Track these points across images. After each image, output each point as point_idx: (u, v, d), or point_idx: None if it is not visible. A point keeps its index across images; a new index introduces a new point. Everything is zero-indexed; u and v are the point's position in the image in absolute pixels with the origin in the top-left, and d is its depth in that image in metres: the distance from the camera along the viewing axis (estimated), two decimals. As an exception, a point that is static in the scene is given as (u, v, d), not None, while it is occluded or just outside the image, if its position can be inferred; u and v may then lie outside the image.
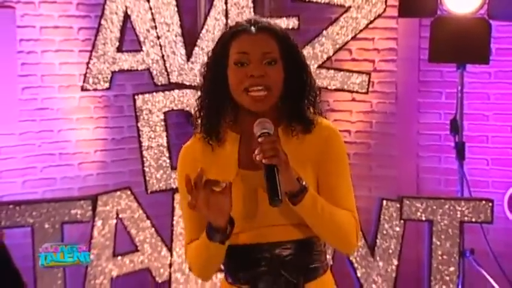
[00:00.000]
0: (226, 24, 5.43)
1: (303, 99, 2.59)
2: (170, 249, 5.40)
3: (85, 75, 5.38)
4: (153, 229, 5.44)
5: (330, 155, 2.62)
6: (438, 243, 5.42)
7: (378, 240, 5.52)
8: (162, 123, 5.45)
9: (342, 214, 2.59)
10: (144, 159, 5.43)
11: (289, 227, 2.55)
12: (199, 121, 2.62)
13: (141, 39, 5.45)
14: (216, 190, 2.41)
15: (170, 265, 5.44)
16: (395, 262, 5.50)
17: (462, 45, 5.60)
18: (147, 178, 5.44)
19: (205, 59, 2.66)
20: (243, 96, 2.50)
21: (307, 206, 2.47)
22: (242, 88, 2.49)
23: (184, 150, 2.65)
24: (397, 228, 5.50)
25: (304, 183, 2.47)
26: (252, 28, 2.57)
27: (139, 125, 5.43)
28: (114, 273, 5.34)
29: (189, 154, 2.61)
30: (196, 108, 2.63)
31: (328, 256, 2.80)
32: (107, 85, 5.41)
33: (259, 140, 2.40)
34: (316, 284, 2.62)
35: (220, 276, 2.96)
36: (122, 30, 5.40)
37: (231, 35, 2.59)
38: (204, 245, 2.48)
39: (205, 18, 5.56)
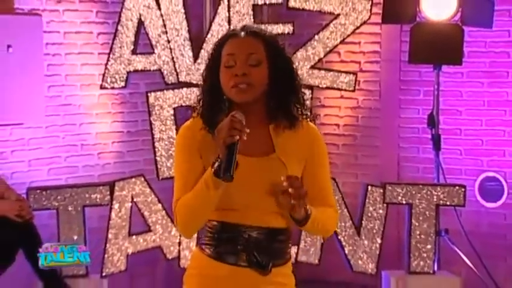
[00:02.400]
0: (229, 29, 5.43)
1: (288, 97, 2.59)
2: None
3: (103, 75, 5.38)
4: (164, 211, 5.45)
5: (318, 151, 2.64)
6: (416, 224, 5.42)
7: (363, 222, 5.52)
8: (172, 117, 5.45)
9: (329, 218, 2.63)
10: (156, 149, 5.43)
11: (270, 215, 2.56)
12: (199, 108, 2.63)
13: (153, 42, 5.45)
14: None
15: (179, 243, 5.44)
16: (379, 241, 5.51)
17: (438, 48, 5.58)
18: (159, 166, 5.45)
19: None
20: (231, 92, 2.51)
21: (308, 225, 2.52)
22: (229, 86, 2.51)
23: (186, 128, 2.62)
24: (381, 211, 5.51)
25: (309, 211, 2.49)
26: (242, 33, 2.58)
27: (151, 119, 5.43)
28: (130, 251, 5.35)
29: (190, 132, 2.59)
30: (197, 99, 2.65)
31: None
32: (122, 84, 5.42)
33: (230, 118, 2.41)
34: (281, 269, 2.62)
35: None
36: (136, 35, 5.39)
37: (224, 39, 2.61)
38: (206, 187, 2.43)
39: (210, 24, 5.56)
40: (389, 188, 5.47)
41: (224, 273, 2.56)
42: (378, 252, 5.51)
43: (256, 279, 2.56)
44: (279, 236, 2.59)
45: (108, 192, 5.23)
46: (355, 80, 5.67)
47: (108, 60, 5.35)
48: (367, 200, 5.54)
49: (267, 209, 2.55)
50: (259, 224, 2.55)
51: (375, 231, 5.52)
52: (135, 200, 5.38)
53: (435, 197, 5.41)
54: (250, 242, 2.54)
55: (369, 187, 5.57)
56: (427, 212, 5.42)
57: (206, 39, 5.49)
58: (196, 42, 5.57)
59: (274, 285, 2.60)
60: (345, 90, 5.74)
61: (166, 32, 5.44)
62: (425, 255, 5.42)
